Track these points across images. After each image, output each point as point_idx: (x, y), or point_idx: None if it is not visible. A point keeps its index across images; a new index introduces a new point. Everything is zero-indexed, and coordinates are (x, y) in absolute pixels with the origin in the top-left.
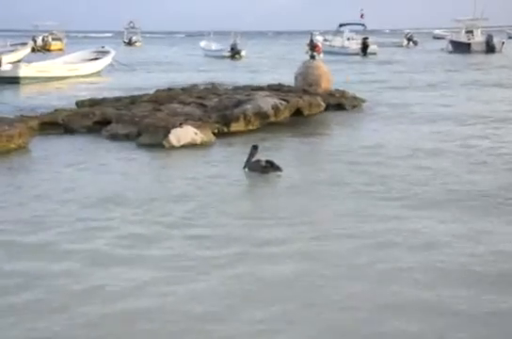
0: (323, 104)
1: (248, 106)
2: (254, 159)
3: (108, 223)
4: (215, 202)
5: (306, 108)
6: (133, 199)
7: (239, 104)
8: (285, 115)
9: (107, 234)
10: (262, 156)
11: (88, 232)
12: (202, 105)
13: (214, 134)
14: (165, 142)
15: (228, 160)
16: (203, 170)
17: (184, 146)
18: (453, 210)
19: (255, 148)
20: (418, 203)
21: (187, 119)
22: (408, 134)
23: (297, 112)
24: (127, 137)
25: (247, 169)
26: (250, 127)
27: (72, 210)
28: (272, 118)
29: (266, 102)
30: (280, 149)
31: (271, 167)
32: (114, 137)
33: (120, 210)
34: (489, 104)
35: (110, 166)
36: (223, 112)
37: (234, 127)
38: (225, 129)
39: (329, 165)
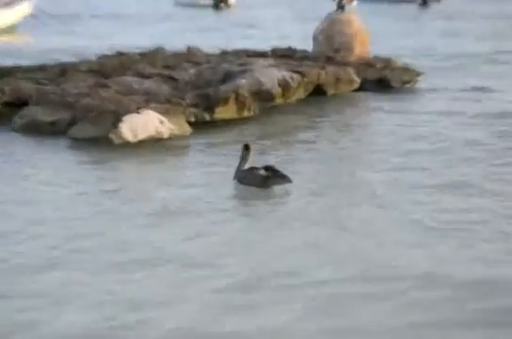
0: (357, 80)
1: (243, 82)
2: (247, 166)
3: None
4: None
5: (330, 86)
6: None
7: (228, 78)
8: (299, 95)
9: None
10: (259, 161)
11: None
12: (172, 80)
13: (189, 123)
14: (113, 136)
15: (210, 168)
16: (171, 190)
17: (143, 142)
18: None
19: (247, 148)
20: None
21: (149, 100)
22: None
23: (317, 91)
24: (53, 128)
25: (236, 181)
26: (246, 114)
27: None
28: (278, 99)
29: (270, 75)
30: (289, 149)
31: (274, 176)
32: (32, 128)
33: None
34: None
35: (14, 188)
36: (204, 90)
37: (221, 113)
38: (206, 116)
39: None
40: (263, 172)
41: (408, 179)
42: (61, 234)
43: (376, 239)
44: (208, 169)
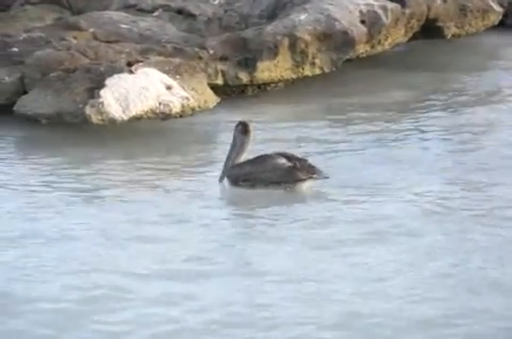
0: (497, 9)
1: (303, 18)
2: (243, 158)
3: None
4: None
5: (451, 21)
6: None
7: (279, 11)
8: (396, 39)
9: None
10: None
11: None
12: (185, 16)
13: (215, 88)
14: (90, 111)
15: None
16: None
17: (138, 119)
18: None
19: (243, 129)
20: None
21: (147, 50)
22: None
23: (429, 31)
24: None
25: (226, 182)
26: (307, 71)
27: None
28: (362, 47)
29: (348, 5)
30: (382, 138)
31: (303, 168)
32: None
33: None
34: None
35: None
36: (238, 33)
37: (266, 72)
38: (243, 76)
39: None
40: (284, 162)
41: None
42: None
43: None
44: None
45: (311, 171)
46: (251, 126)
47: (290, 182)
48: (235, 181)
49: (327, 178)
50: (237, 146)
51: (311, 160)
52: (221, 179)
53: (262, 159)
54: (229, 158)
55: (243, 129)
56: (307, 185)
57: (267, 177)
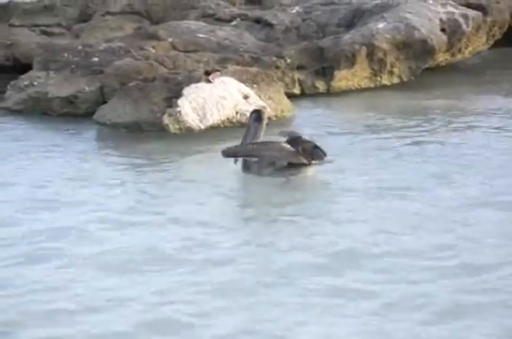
0: None
1: (381, 26)
2: (256, 138)
3: None
4: None
5: None
6: None
7: (357, 20)
8: (478, 47)
9: None
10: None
11: None
12: (262, 25)
13: (292, 97)
14: (167, 120)
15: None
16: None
17: (216, 128)
18: None
19: (257, 117)
20: None
21: (225, 59)
22: None
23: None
24: (70, 107)
25: (239, 166)
26: (385, 81)
27: None
28: (442, 55)
29: (427, 13)
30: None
31: (316, 151)
32: (35, 107)
33: None
34: None
35: None
36: (315, 42)
37: (344, 81)
38: (320, 85)
39: None
40: (289, 147)
41: None
42: None
43: None
44: (331, 187)
45: (314, 157)
46: (265, 114)
47: (293, 166)
48: (233, 155)
49: (330, 162)
50: (251, 133)
51: (319, 143)
52: (236, 160)
53: (266, 142)
54: (243, 141)
55: (257, 117)
56: (311, 171)
57: (272, 155)
